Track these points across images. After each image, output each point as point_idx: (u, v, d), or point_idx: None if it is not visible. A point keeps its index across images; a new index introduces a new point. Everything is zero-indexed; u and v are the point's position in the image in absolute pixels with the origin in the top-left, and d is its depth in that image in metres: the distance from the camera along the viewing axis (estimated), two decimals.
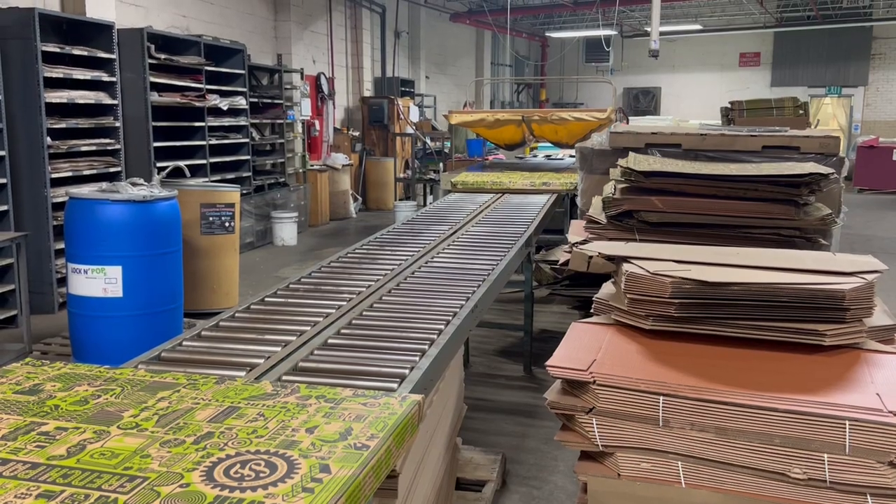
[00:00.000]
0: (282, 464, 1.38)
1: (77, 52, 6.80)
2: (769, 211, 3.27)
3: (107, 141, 7.15)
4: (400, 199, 12.99)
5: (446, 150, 11.51)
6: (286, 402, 1.68)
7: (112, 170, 7.14)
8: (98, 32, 7.09)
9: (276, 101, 10.75)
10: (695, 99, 21.80)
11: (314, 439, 1.48)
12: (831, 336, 2.25)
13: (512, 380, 5.00)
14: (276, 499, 1.26)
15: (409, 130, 13.35)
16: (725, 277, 2.33)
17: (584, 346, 2.39)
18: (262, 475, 1.34)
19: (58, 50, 6.57)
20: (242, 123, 9.62)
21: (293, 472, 1.34)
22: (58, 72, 6.54)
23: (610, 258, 2.81)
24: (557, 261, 4.47)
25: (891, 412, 1.89)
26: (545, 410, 2.26)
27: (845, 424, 1.90)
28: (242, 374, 2.07)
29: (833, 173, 3.35)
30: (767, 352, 2.29)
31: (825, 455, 1.91)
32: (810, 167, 3.31)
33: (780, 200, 3.26)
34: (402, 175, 13.12)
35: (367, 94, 14.14)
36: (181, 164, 6.38)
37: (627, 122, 12.67)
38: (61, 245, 5.56)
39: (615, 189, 3.55)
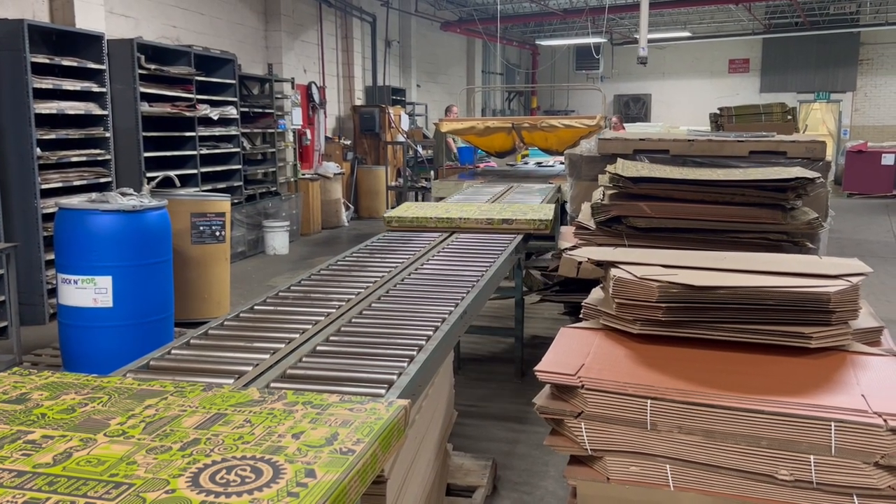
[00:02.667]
0: (267, 469, 1.38)
1: (67, 62, 6.79)
2: (756, 215, 3.29)
3: (97, 151, 7.14)
4: (392, 208, 12.99)
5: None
6: (273, 409, 1.68)
7: (102, 180, 7.13)
8: (88, 43, 7.08)
9: (267, 111, 10.76)
10: (685, 105, 21.90)
11: (300, 444, 1.48)
12: (817, 338, 2.26)
13: (503, 386, 5.00)
14: (262, 503, 1.26)
15: (401, 139, 13.37)
16: (712, 281, 2.35)
17: (573, 351, 2.40)
18: (247, 480, 1.34)
19: (47, 61, 6.56)
20: (233, 133, 9.62)
21: (279, 478, 1.35)
22: (47, 83, 6.54)
23: (599, 263, 2.83)
24: (548, 266, 4.50)
25: (876, 413, 1.90)
26: (536, 416, 2.27)
27: (831, 426, 1.91)
28: (231, 381, 2.07)
29: (819, 177, 3.38)
30: (754, 355, 2.30)
31: (812, 456, 1.92)
32: (797, 171, 3.33)
33: (767, 205, 3.29)
34: (393, 183, 13.13)
35: (358, 102, 14.16)
36: (171, 173, 6.37)
37: (624, 129, 12.73)
38: (51, 256, 5.55)
39: (604, 195, 3.58)
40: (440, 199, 6.76)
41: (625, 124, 14.44)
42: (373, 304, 2.90)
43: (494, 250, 3.91)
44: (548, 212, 4.51)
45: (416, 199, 11.93)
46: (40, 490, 1.32)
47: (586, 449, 2.15)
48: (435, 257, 3.78)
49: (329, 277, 3.39)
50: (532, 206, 4.87)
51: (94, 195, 5.07)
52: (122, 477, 1.36)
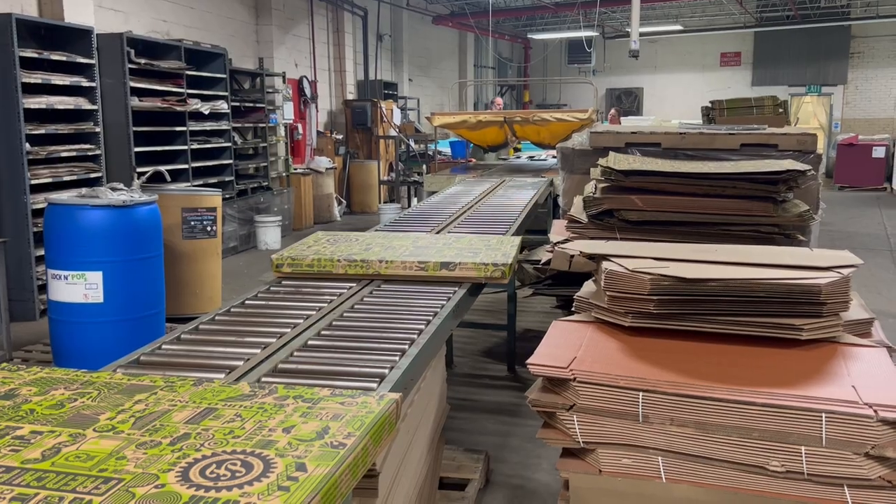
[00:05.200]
0: (258, 463, 1.37)
1: (56, 57, 6.74)
2: (748, 208, 3.29)
3: (87, 146, 7.10)
4: (384, 202, 12.98)
5: (429, 153, 11.51)
6: (263, 403, 1.67)
7: (93, 175, 7.09)
8: (77, 37, 7.04)
9: (259, 105, 10.72)
10: (677, 99, 21.92)
11: (291, 439, 1.48)
12: (808, 330, 2.27)
13: (496, 379, 5.01)
14: (252, 497, 1.25)
15: (393, 133, 13.35)
16: (704, 274, 2.35)
17: (565, 344, 2.40)
18: (238, 475, 1.33)
19: (36, 55, 6.51)
20: (224, 128, 9.58)
21: (269, 472, 1.34)
22: (36, 77, 6.49)
23: (591, 257, 2.83)
24: (540, 260, 4.48)
25: (866, 404, 1.91)
26: (529, 409, 2.27)
27: (822, 417, 1.92)
28: (221, 376, 2.06)
29: (810, 170, 3.39)
30: (745, 347, 2.31)
31: (803, 448, 1.93)
32: (788, 164, 3.34)
33: (758, 197, 3.29)
34: (386, 178, 13.11)
35: (350, 97, 14.12)
36: (161, 168, 6.34)
37: (620, 122, 12.73)
38: (42, 251, 5.52)
39: (596, 188, 3.57)
40: (432, 193, 6.76)
41: (622, 118, 14.44)
42: (365, 298, 2.90)
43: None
44: (508, 250, 3.34)
45: (409, 194, 11.91)
46: (28, 486, 1.31)
47: (578, 441, 2.15)
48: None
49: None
50: (491, 240, 3.62)
51: (84, 190, 5.04)
52: (111, 472, 1.35)
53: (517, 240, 3.61)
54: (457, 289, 3.03)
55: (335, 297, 2.89)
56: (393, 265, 3.14)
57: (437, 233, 4.16)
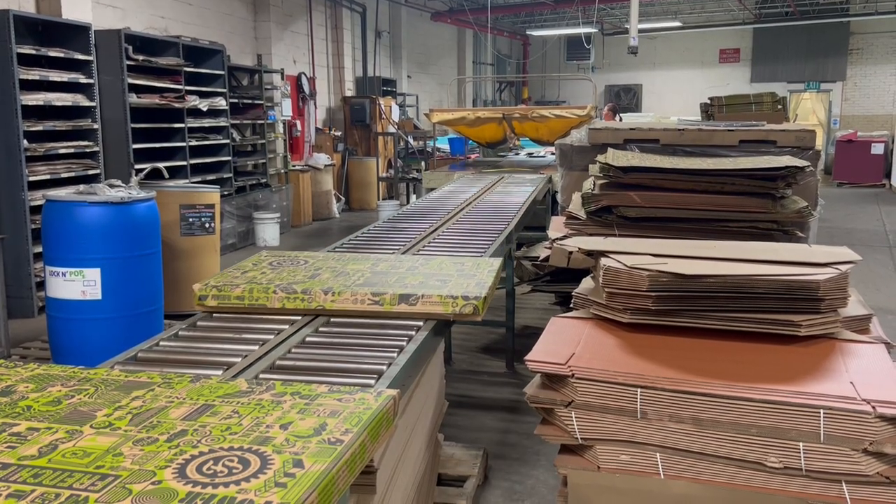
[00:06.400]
0: (255, 460, 1.37)
1: (53, 53, 6.73)
2: (746, 204, 3.29)
3: (85, 143, 7.09)
4: (383, 199, 12.97)
5: (428, 150, 11.50)
6: (261, 399, 1.67)
7: (91, 172, 7.08)
8: (74, 34, 7.02)
9: (257, 102, 10.70)
10: (676, 95, 21.90)
11: (288, 435, 1.47)
12: (806, 326, 2.26)
13: (494, 376, 5.01)
14: (249, 494, 1.25)
15: (392, 130, 13.33)
16: (702, 270, 2.34)
17: (563, 341, 2.39)
18: (235, 471, 1.33)
19: (33, 52, 6.50)
20: (223, 124, 9.57)
21: (266, 468, 1.34)
22: (34, 74, 6.48)
23: (589, 253, 2.82)
24: (538, 257, 4.48)
25: (865, 400, 1.90)
26: (527, 406, 2.27)
27: (820, 413, 1.91)
28: (219, 373, 2.06)
29: (809, 166, 3.38)
30: (744, 343, 2.31)
31: (801, 444, 1.92)
32: (786, 160, 3.33)
33: (756, 194, 3.28)
34: (384, 174, 13.10)
35: (348, 93, 14.10)
36: (159, 165, 6.33)
37: (621, 121, 12.70)
38: (40, 248, 5.51)
39: (594, 185, 3.57)
40: (431, 189, 6.75)
41: (620, 115, 14.39)
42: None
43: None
44: (484, 277, 2.81)
45: (408, 191, 11.90)
46: (25, 482, 1.30)
47: (577, 438, 2.15)
48: (427, 246, 3.42)
49: None
50: (465, 263, 3.08)
51: (81, 187, 5.04)
52: (108, 469, 1.35)
53: (496, 263, 3.11)
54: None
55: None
56: (341, 297, 2.58)
57: (430, 234, 4.15)
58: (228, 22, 10.93)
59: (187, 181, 8.44)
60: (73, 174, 6.90)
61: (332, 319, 2.59)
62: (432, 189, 6.68)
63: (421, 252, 3.63)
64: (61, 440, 1.47)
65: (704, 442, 2.02)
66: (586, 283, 2.82)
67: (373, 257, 3.23)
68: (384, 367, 2.10)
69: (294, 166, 11.84)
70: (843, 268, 2.36)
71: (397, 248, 3.75)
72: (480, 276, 2.85)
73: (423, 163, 11.31)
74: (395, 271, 2.92)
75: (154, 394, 1.72)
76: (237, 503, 1.23)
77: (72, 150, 6.94)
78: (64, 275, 4.56)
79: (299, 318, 2.58)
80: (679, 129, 4.25)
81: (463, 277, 2.81)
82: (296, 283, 2.72)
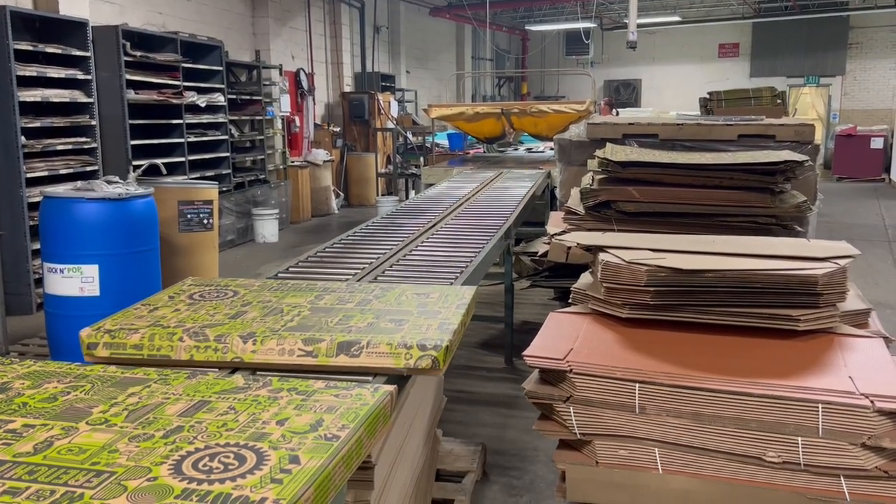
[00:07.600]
0: (251, 456, 1.37)
1: (51, 50, 6.72)
2: (745, 199, 3.28)
3: (83, 139, 7.08)
4: (382, 195, 12.96)
5: (427, 145, 11.49)
6: (257, 396, 1.66)
7: (89, 168, 7.07)
8: (72, 30, 7.01)
9: (255, 98, 10.69)
10: (675, 90, 21.89)
11: (284, 431, 1.47)
12: (805, 321, 2.26)
13: (493, 371, 5.01)
14: (245, 490, 1.24)
15: (390, 125, 13.32)
16: (700, 265, 2.34)
17: (562, 336, 2.39)
18: (230, 467, 1.32)
19: (31, 48, 6.49)
20: (221, 120, 9.56)
21: (262, 464, 1.33)
22: (31, 70, 6.47)
23: (587, 248, 2.81)
24: (537, 252, 4.47)
25: (863, 395, 1.90)
26: (525, 401, 2.26)
27: (818, 408, 1.91)
28: (215, 370, 2.05)
29: (808, 160, 3.37)
30: (742, 338, 2.30)
31: (799, 438, 1.92)
32: (785, 155, 3.32)
33: (755, 188, 3.28)
34: (383, 170, 13.09)
35: (347, 89, 14.09)
36: (157, 161, 6.32)
37: (617, 115, 12.70)
38: (38, 245, 5.51)
39: (593, 180, 3.56)
40: (430, 185, 6.74)
41: (616, 109, 14.37)
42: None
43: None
44: (451, 316, 2.25)
45: (407, 186, 11.89)
46: (20, 479, 1.30)
47: (575, 433, 2.14)
48: (425, 242, 3.63)
49: (318, 263, 3.37)
50: (431, 294, 2.48)
51: (79, 183, 5.03)
52: (103, 465, 1.34)
53: (468, 294, 2.47)
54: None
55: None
56: (264, 347, 1.98)
57: (429, 229, 4.14)
58: (226, 18, 10.91)
59: (185, 177, 8.43)
60: (70, 170, 6.90)
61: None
62: (431, 184, 6.67)
63: (419, 250, 3.62)
64: (57, 437, 1.47)
65: (703, 437, 2.02)
66: (585, 279, 2.82)
67: (320, 286, 2.58)
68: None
69: (293, 162, 11.83)
70: (842, 262, 2.36)
71: (396, 246, 3.75)
72: (446, 312, 2.27)
73: (421, 158, 11.29)
74: (341, 307, 2.29)
75: (150, 390, 1.71)
76: (233, 499, 1.22)
77: (69, 147, 6.94)
78: (62, 271, 4.56)
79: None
80: (678, 124, 4.25)
81: (424, 315, 2.23)
82: (212, 325, 2.10)
